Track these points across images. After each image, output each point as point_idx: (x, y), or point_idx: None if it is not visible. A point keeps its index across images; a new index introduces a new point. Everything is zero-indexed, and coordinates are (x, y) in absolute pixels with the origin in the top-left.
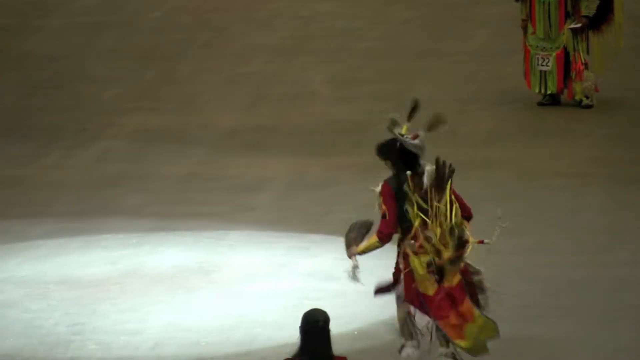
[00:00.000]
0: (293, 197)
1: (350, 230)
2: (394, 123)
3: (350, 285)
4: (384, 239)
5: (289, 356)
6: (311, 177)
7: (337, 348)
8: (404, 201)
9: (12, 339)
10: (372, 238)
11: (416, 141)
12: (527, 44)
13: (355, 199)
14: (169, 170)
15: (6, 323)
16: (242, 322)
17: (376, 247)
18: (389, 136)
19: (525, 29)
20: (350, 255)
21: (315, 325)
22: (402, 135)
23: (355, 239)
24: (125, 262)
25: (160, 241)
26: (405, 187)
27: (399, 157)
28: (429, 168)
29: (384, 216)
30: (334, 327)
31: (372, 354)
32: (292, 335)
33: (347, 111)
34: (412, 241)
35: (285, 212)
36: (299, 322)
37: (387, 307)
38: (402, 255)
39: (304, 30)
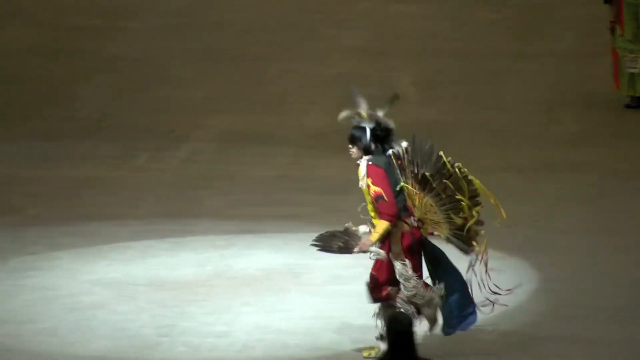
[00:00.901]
0: None
1: (329, 238)
2: (353, 113)
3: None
4: (393, 220)
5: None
6: None
7: (422, 351)
8: (394, 179)
9: (100, 340)
10: (382, 224)
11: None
12: (615, 46)
13: None
14: (257, 172)
15: (94, 325)
16: (330, 324)
17: (388, 231)
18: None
19: (613, 30)
20: (366, 248)
21: (400, 328)
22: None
23: (347, 240)
24: (214, 264)
25: (248, 243)
26: (395, 165)
27: (375, 138)
28: (405, 144)
29: (379, 198)
30: (419, 329)
31: (458, 356)
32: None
33: (433, 113)
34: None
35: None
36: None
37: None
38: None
39: (391, 32)
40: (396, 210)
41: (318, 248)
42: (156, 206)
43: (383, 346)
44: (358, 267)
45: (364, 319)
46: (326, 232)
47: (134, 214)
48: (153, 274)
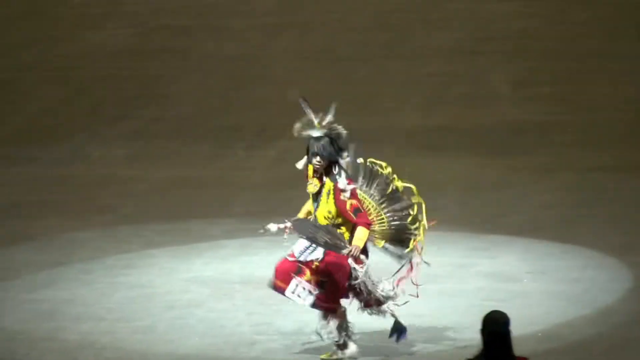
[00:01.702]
0: (472, 198)
1: (317, 232)
2: (307, 124)
3: (531, 286)
4: (369, 228)
5: (471, 357)
6: (490, 178)
7: (519, 349)
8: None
9: (197, 338)
10: (362, 231)
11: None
12: None
13: (534, 199)
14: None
15: (191, 322)
16: (424, 323)
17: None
18: (306, 138)
19: None
20: (357, 254)
21: (496, 327)
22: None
23: (338, 238)
24: None
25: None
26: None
27: (339, 151)
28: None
29: (357, 211)
30: (516, 329)
31: (555, 355)
32: (473, 337)
33: (525, 112)
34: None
35: (464, 213)
36: (480, 324)
37: (570, 308)
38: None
39: (482, 31)
40: (369, 220)
41: (304, 235)
42: (248, 205)
43: (343, 354)
44: (452, 266)
45: (457, 317)
46: (308, 222)
47: (227, 212)
48: (249, 272)
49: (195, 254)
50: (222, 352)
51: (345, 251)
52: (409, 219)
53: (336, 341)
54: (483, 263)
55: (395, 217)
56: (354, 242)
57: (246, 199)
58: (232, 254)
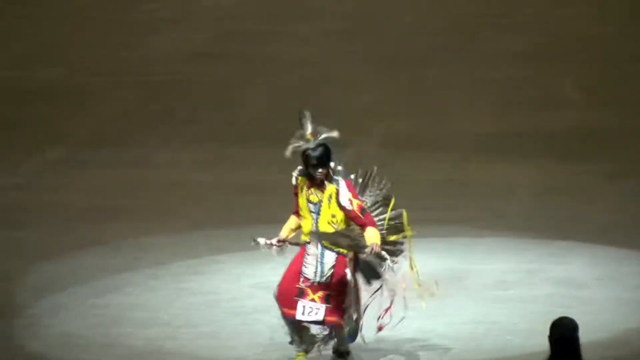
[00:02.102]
0: (542, 203)
1: (338, 237)
2: (300, 138)
3: (601, 293)
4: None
5: None
6: (561, 183)
7: (587, 357)
8: None
9: (262, 345)
10: (373, 230)
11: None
12: None
13: (604, 205)
14: (420, 176)
15: (257, 329)
16: (493, 329)
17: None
18: (299, 148)
19: None
20: (379, 250)
21: (564, 333)
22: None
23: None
24: None
25: (412, 247)
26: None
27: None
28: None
29: (363, 210)
30: (584, 336)
31: None
32: (542, 343)
33: (597, 117)
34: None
35: (534, 219)
36: (548, 330)
37: (638, 314)
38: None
39: (554, 36)
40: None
41: (330, 240)
42: None
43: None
44: (521, 272)
45: (526, 323)
46: (321, 232)
47: None
48: None
49: (263, 259)
50: (285, 358)
51: (367, 250)
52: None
53: (347, 352)
54: (552, 269)
55: (386, 226)
56: (369, 240)
57: None
58: None
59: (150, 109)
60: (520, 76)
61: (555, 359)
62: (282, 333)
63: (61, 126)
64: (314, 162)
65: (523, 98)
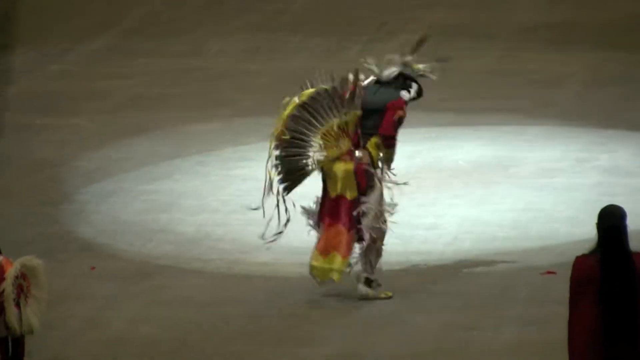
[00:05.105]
0: (592, 93)
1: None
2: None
3: None
4: None
5: (586, 252)
6: (611, 73)
7: (635, 245)
8: None
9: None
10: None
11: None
12: None
13: None
14: (469, 65)
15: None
16: (540, 217)
17: None
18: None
19: None
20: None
21: (612, 220)
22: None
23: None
24: (422, 157)
25: (458, 136)
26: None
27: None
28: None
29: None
30: (633, 223)
31: None
32: (589, 231)
33: None
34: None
35: (584, 108)
36: (596, 219)
37: None
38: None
39: None
40: None
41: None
42: None
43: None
44: (568, 160)
45: (573, 211)
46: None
47: None
48: None
49: None
50: None
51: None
52: None
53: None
54: (601, 157)
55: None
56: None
57: None
58: None
59: None
60: None
61: (603, 247)
62: None
63: (110, 14)
64: (418, 91)
65: None
